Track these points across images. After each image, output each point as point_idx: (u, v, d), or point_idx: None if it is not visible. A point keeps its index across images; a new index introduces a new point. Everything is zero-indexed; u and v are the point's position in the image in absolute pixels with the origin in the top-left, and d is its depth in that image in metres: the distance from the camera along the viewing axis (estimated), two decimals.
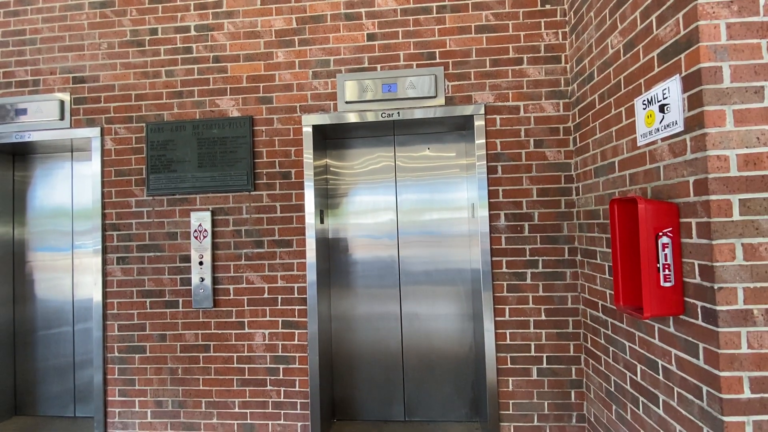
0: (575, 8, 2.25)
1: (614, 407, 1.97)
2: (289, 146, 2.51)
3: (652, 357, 1.62)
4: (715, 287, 1.28)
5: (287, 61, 2.52)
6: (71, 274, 2.99)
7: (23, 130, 2.68)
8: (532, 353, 2.33)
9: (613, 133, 1.88)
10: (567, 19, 2.36)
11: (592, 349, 2.19)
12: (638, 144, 1.67)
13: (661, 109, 1.50)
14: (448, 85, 2.42)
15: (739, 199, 1.27)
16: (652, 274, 1.42)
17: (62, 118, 2.65)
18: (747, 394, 1.26)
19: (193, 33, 2.58)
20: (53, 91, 2.67)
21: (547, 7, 2.37)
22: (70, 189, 3.01)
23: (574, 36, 2.28)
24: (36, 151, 2.98)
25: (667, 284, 1.42)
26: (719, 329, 1.27)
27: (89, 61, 2.65)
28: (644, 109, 1.61)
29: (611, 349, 1.97)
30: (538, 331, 2.33)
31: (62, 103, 2.64)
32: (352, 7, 2.50)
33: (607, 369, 2.02)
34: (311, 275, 2.46)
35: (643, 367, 1.69)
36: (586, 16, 2.12)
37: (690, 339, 1.40)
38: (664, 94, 1.48)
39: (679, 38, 1.40)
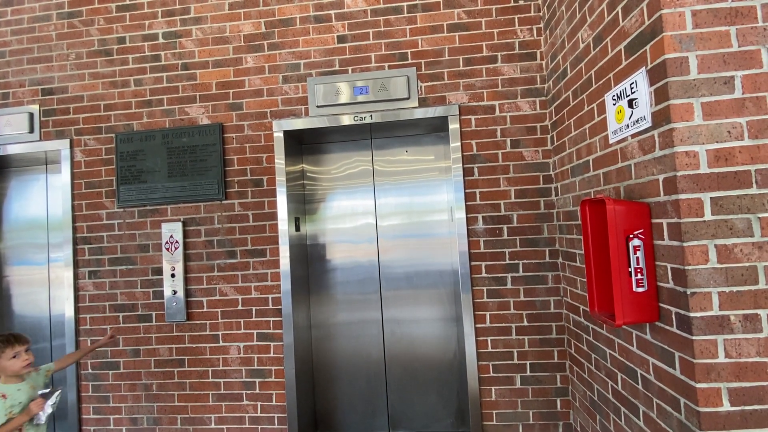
0: (548, 2, 2.17)
1: (598, 417, 1.88)
2: (260, 153, 2.44)
3: (632, 365, 1.53)
4: (688, 292, 1.19)
5: (257, 66, 2.46)
6: (47, 288, 2.93)
7: None
8: (515, 361, 2.24)
9: (587, 131, 1.80)
10: (541, 14, 2.29)
11: (575, 355, 2.10)
12: (610, 141, 1.59)
13: (630, 104, 1.42)
14: (421, 86, 2.35)
15: (711, 198, 1.19)
16: (623, 278, 1.34)
17: (31, 130, 2.60)
18: (726, 406, 1.18)
19: (161, 41, 2.53)
20: (22, 103, 2.62)
21: (521, 2, 2.30)
22: (45, 202, 2.96)
23: (548, 31, 2.21)
24: (10, 164, 2.93)
25: (640, 289, 1.34)
26: (694, 337, 1.19)
27: (58, 72, 2.60)
28: (614, 104, 1.53)
29: (593, 356, 1.88)
30: (520, 337, 2.25)
31: (31, 115, 2.60)
32: (321, 9, 2.44)
33: (591, 377, 1.93)
34: (285, 284, 2.39)
35: (624, 376, 1.61)
36: (558, 10, 2.05)
37: (666, 347, 1.31)
38: (632, 88, 1.40)
39: (644, 29, 1.32)
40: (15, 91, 2.64)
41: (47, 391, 1.88)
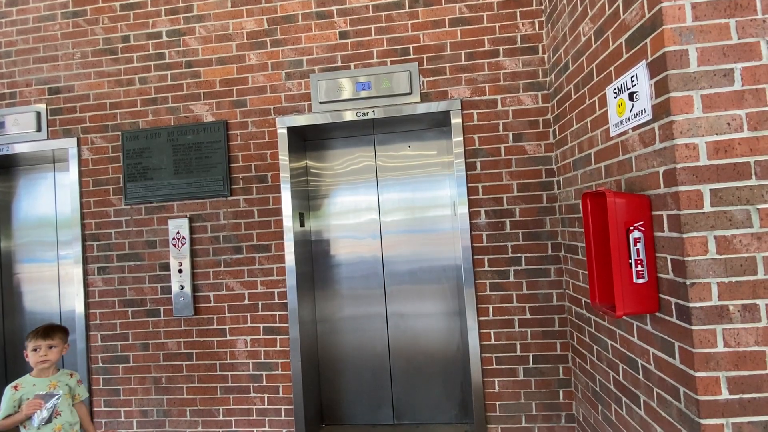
0: None
1: (600, 407, 1.90)
2: (264, 149, 2.47)
3: (633, 356, 1.56)
4: (688, 283, 1.21)
5: (260, 63, 2.48)
6: (57, 285, 2.98)
7: (2, 144, 2.67)
8: (518, 353, 2.27)
9: (589, 124, 1.81)
10: (543, 7, 2.29)
11: (578, 347, 2.13)
12: (611, 134, 1.60)
13: (631, 97, 1.43)
14: (423, 81, 2.36)
15: (710, 189, 1.20)
16: (624, 270, 1.35)
17: (39, 129, 2.64)
18: (725, 395, 1.20)
19: (165, 39, 2.55)
20: (29, 102, 2.66)
21: None
22: (53, 200, 3.00)
23: (549, 25, 2.21)
24: (18, 163, 2.98)
25: (641, 280, 1.35)
26: (693, 327, 1.21)
27: (64, 71, 2.63)
28: (615, 97, 1.54)
29: (595, 347, 1.90)
30: (523, 330, 2.27)
31: (38, 114, 2.64)
32: (323, 6, 2.45)
33: (593, 368, 1.96)
34: (291, 279, 2.42)
35: (625, 367, 1.63)
36: (560, 3, 2.05)
37: (666, 337, 1.33)
38: (632, 81, 1.41)
39: (644, 22, 1.33)
40: (22, 90, 2.68)
41: (44, 393, 1.81)
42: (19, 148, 2.67)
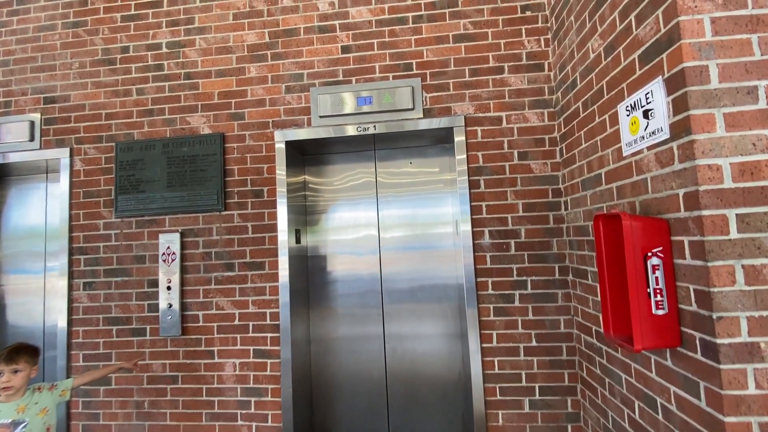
0: (556, 13, 2.13)
1: None
2: (261, 163, 2.40)
3: (650, 393, 1.43)
4: (714, 316, 1.10)
5: (259, 76, 2.43)
6: (43, 298, 2.87)
7: None
8: (523, 383, 2.13)
9: (599, 143, 1.73)
10: (549, 25, 2.25)
11: (588, 379, 1.99)
12: (624, 154, 1.52)
13: (645, 114, 1.35)
14: (426, 97, 2.30)
15: (736, 214, 1.11)
16: (641, 300, 1.25)
17: (32, 139, 2.58)
18: None
19: (164, 50, 2.52)
20: (24, 112, 2.61)
21: (528, 13, 2.26)
22: (44, 211, 2.92)
23: (556, 42, 2.16)
24: (10, 173, 2.90)
25: (660, 311, 1.25)
26: (721, 366, 1.09)
27: (60, 81, 2.59)
28: (628, 115, 1.46)
29: (607, 380, 1.77)
30: (528, 358, 2.14)
31: (32, 123, 2.58)
32: (326, 20, 2.41)
33: (604, 403, 1.82)
34: (284, 297, 2.31)
35: (641, 404, 1.50)
36: (566, 20, 2.00)
37: (690, 376, 1.21)
38: (647, 98, 1.34)
39: (660, 37, 1.26)
40: (17, 99, 2.63)
41: (9, 421, 1.67)
42: (11, 158, 2.60)
